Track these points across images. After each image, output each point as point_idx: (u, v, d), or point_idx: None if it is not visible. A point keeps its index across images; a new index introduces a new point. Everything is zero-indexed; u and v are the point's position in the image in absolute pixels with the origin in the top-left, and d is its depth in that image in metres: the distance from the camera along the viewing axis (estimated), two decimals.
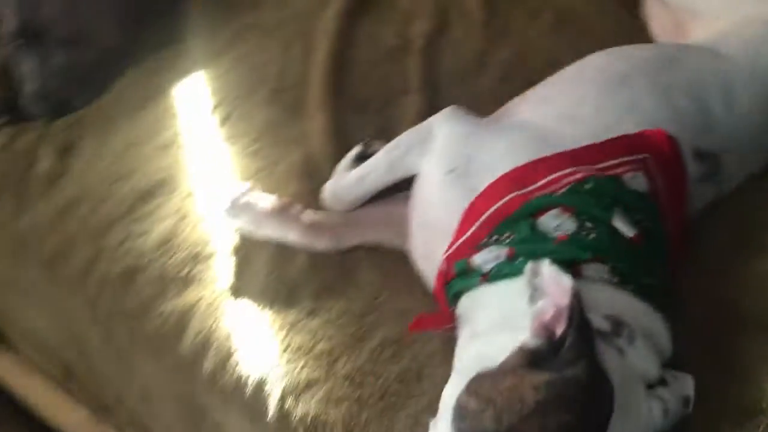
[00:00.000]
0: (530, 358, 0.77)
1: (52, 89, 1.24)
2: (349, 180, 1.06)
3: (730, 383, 0.85)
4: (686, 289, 0.93)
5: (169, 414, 1.11)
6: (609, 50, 1.10)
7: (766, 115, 1.04)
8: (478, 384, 0.79)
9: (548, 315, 0.76)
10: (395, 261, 1.03)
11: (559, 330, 0.76)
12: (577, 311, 0.75)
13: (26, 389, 1.58)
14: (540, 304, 0.77)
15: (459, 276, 0.90)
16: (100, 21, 1.28)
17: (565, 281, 0.76)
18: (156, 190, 1.11)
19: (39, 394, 1.56)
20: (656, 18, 1.31)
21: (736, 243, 0.99)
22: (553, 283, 0.77)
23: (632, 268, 0.87)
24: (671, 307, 0.87)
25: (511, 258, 0.86)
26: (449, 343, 0.89)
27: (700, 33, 1.17)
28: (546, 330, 0.77)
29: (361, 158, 1.09)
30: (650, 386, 0.81)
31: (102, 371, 1.21)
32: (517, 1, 1.36)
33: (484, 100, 1.13)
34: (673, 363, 0.85)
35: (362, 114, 1.20)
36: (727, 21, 1.15)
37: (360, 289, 0.99)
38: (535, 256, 0.82)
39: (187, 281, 1.02)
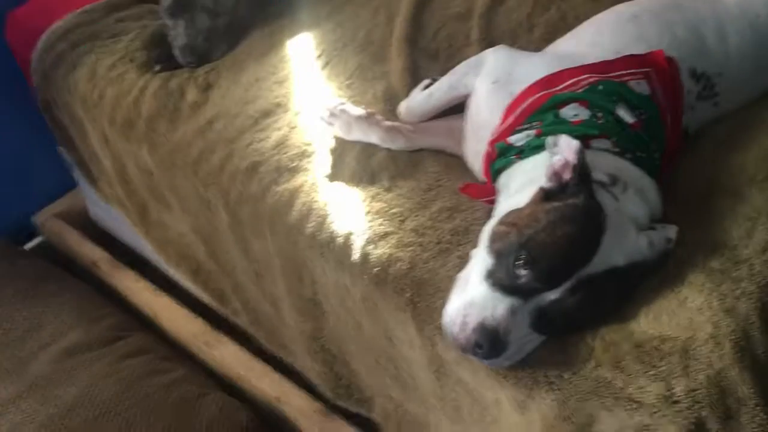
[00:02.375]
0: (544, 195, 1.06)
1: (197, 44, 1.62)
2: (420, 97, 1.38)
3: (703, 230, 1.09)
4: (682, 170, 1.20)
5: (276, 284, 1.43)
6: (627, 2, 1.39)
7: (752, 47, 1.29)
8: (506, 216, 1.08)
9: (559, 164, 1.05)
10: (453, 160, 1.34)
11: (567, 176, 1.04)
12: (581, 162, 1.03)
13: (154, 306, 1.95)
14: (554, 158, 1.06)
15: (499, 156, 1.19)
16: None
17: (574, 143, 1.05)
18: (274, 109, 1.46)
19: (164, 310, 1.94)
20: None
21: (723, 143, 1.24)
22: (565, 145, 1.05)
23: (630, 144, 1.14)
24: (658, 179, 1.13)
25: (538, 135, 1.15)
26: (491, 213, 1.18)
27: None
28: (557, 175, 1.06)
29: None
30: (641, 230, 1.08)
31: (225, 260, 1.55)
32: None
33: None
34: (662, 220, 1.11)
35: (432, 61, 1.52)
36: None
37: (425, 174, 1.30)
38: (556, 133, 1.11)
39: (296, 170, 1.35)
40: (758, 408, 0.93)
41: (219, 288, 1.63)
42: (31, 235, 2.32)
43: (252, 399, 1.73)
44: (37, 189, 2.26)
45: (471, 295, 1.02)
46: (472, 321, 1.00)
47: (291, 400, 1.66)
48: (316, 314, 1.37)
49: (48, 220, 2.26)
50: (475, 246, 1.10)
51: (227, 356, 1.78)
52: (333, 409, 1.61)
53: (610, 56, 1.24)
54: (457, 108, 1.37)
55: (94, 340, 1.82)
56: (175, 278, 1.99)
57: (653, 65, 1.22)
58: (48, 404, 1.65)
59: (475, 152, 1.29)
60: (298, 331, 1.43)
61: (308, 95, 1.47)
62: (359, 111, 1.35)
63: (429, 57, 1.52)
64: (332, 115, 1.35)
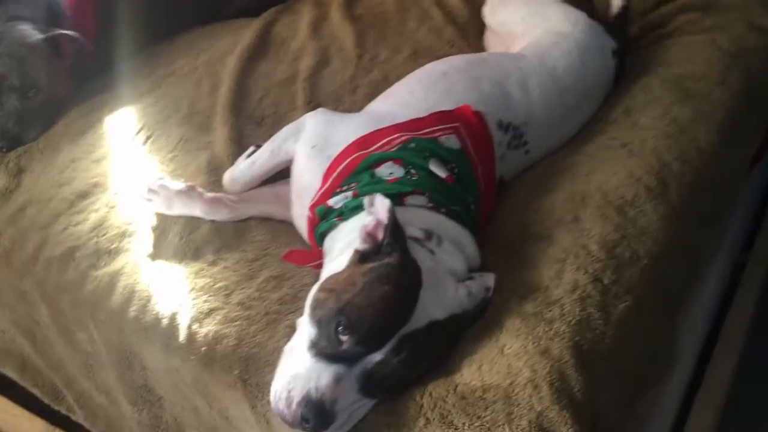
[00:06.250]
0: (360, 257, 1.06)
1: (8, 127, 1.53)
2: (242, 165, 1.36)
3: (519, 274, 1.13)
4: (498, 216, 1.25)
5: (107, 374, 1.34)
6: (438, 60, 1.45)
7: (553, 96, 1.38)
8: (325, 281, 1.07)
9: (371, 226, 1.06)
10: (281, 227, 1.32)
11: (380, 235, 1.05)
12: (392, 221, 1.05)
13: None
14: (366, 219, 1.07)
15: (321, 219, 1.19)
16: (45, 75, 1.58)
17: (385, 202, 1.06)
18: (91, 190, 1.39)
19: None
20: (492, 47, 1.68)
21: (535, 188, 1.30)
22: (379, 205, 1.06)
23: (444, 199, 1.17)
24: (474, 229, 1.17)
25: (355, 196, 1.16)
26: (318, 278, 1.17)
27: (517, 48, 1.53)
28: (371, 237, 1.06)
29: None
30: (460, 281, 1.10)
31: (51, 353, 1.44)
32: (383, 40, 1.72)
33: (356, 112, 1.45)
34: (480, 270, 1.14)
35: (258, 127, 1.51)
36: (530, 36, 1.51)
37: (252, 243, 1.27)
38: (372, 192, 1.12)
39: (116, 252, 1.29)
40: None
41: (50, 383, 1.50)
42: None
43: None
44: None
45: (295, 368, 1.00)
46: (297, 395, 0.97)
47: None
48: (151, 401, 1.29)
49: None
50: (302, 314, 1.08)
51: None
52: None
53: (422, 113, 1.28)
54: (284, 173, 1.36)
55: None
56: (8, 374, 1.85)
57: (461, 120, 1.27)
58: None
59: (301, 216, 1.28)
60: (135, 422, 1.34)
61: (128, 173, 1.42)
62: (179, 185, 1.31)
63: (254, 123, 1.52)
64: (151, 191, 1.31)
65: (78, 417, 1.51)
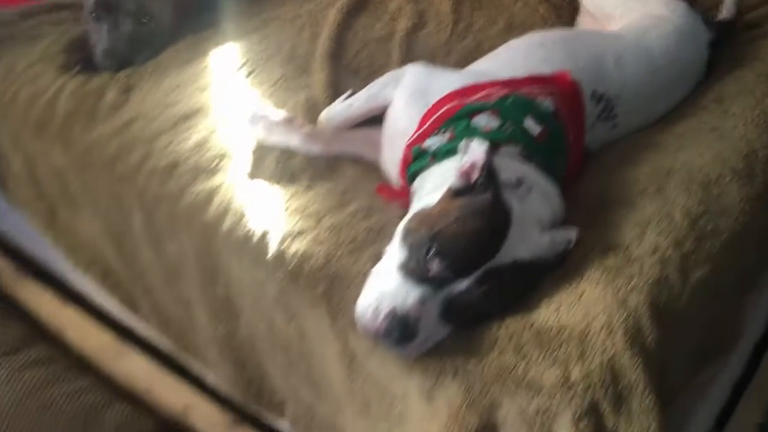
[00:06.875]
0: (453, 194, 1.12)
1: (119, 48, 1.62)
2: (340, 106, 1.43)
3: (600, 233, 1.17)
4: (582, 182, 1.29)
5: (189, 287, 1.42)
6: (535, 31, 1.50)
7: (647, 75, 1.41)
8: (418, 212, 1.13)
9: (468, 165, 1.11)
10: (370, 168, 1.39)
11: (475, 175, 1.11)
12: (488, 163, 1.10)
13: (59, 317, 1.89)
14: (461, 160, 1.12)
15: (415, 159, 1.25)
16: (158, 5, 1.67)
17: (483, 145, 1.11)
18: (194, 114, 1.47)
19: (70, 321, 1.88)
20: (585, 25, 1.72)
21: (621, 159, 1.34)
22: (475, 148, 1.12)
23: (535, 152, 1.22)
24: (561, 186, 1.22)
25: (451, 140, 1.22)
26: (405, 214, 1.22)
27: (614, 29, 1.57)
28: (466, 175, 1.12)
29: None
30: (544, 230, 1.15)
31: (136, 262, 1.52)
32: (479, 10, 1.77)
33: None
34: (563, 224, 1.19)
35: (353, 76, 1.58)
36: (627, 18, 1.55)
37: (343, 177, 1.34)
38: (468, 138, 1.17)
39: (214, 171, 1.37)
40: (646, 391, 1.00)
41: (129, 292, 1.59)
42: None
43: (158, 411, 1.69)
44: None
45: (384, 286, 1.06)
46: (384, 308, 1.03)
47: (199, 411, 1.63)
48: (229, 315, 1.37)
49: None
50: (389, 242, 1.14)
51: (134, 368, 1.74)
52: (243, 419, 1.60)
53: (520, 75, 1.33)
54: (374, 121, 1.42)
55: None
56: (81, 289, 1.94)
57: (558, 85, 1.31)
58: None
59: (391, 159, 1.34)
60: (210, 333, 1.42)
61: (230, 102, 1.50)
62: (280, 115, 1.38)
63: (350, 73, 1.58)
64: (254, 118, 1.38)
65: (152, 325, 1.59)
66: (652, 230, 1.16)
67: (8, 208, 1.94)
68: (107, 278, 1.62)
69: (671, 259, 1.12)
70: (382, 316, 1.03)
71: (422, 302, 1.03)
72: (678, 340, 1.08)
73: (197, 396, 1.65)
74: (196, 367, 1.68)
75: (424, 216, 1.11)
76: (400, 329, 1.02)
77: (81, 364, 1.80)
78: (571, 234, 1.15)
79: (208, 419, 1.61)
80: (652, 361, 1.02)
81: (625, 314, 1.04)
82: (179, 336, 1.52)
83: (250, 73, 1.57)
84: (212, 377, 1.64)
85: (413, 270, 1.05)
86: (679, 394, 1.11)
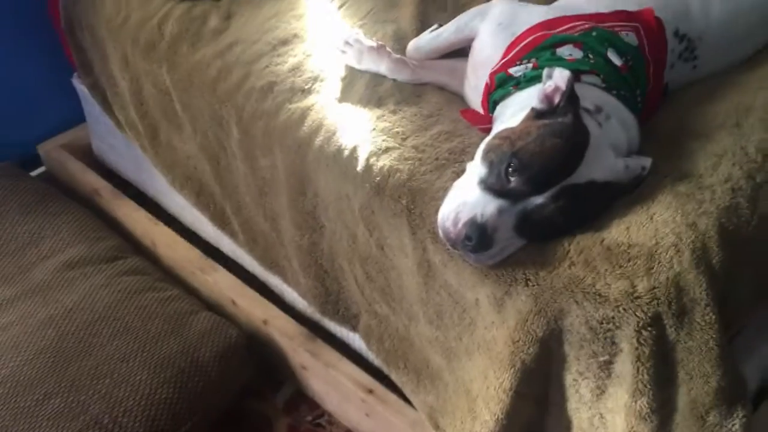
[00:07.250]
0: (535, 115, 1.18)
1: None
2: (428, 37, 1.50)
3: (675, 163, 1.22)
4: (660, 116, 1.33)
5: (279, 201, 1.53)
6: None
7: (732, 18, 1.42)
8: (501, 131, 1.20)
9: (550, 90, 1.17)
10: (453, 96, 1.46)
11: (557, 99, 1.17)
12: (570, 89, 1.16)
13: (152, 234, 2.04)
14: (546, 84, 1.18)
15: (498, 86, 1.32)
16: None
17: (566, 72, 1.17)
18: (291, 39, 1.57)
19: (162, 237, 2.03)
20: None
21: (700, 96, 1.37)
22: (558, 75, 1.18)
23: (616, 83, 1.26)
24: (638, 118, 1.26)
25: (535, 68, 1.27)
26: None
27: None
28: (548, 99, 1.18)
29: None
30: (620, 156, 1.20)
31: (229, 180, 1.64)
32: None
33: None
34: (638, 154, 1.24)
35: (441, 12, 1.64)
36: None
37: (428, 103, 1.41)
38: (552, 66, 1.23)
39: (309, 92, 1.46)
40: (708, 308, 1.06)
41: (220, 209, 1.72)
42: (34, 166, 2.39)
43: (241, 322, 1.82)
44: (44, 120, 2.33)
45: (464, 197, 1.14)
46: (464, 216, 1.11)
47: (277, 324, 1.76)
48: (314, 228, 1.47)
49: (52, 150, 2.33)
50: (471, 160, 1.21)
51: (219, 281, 1.88)
52: (317, 333, 1.72)
53: (605, 10, 1.37)
54: (459, 53, 1.49)
55: (93, 256, 1.90)
56: (173, 212, 2.10)
57: (642, 21, 1.35)
58: (48, 306, 1.74)
59: (475, 87, 1.41)
60: (294, 246, 1.53)
61: (323, 29, 1.59)
62: (371, 42, 1.47)
63: (438, 8, 1.64)
64: (346, 43, 1.47)
65: (239, 241, 1.72)
66: (726, 161, 1.20)
67: (109, 133, 2.11)
68: (201, 196, 1.75)
69: (743, 189, 1.16)
70: (461, 223, 1.11)
71: (500, 213, 1.11)
72: (744, 266, 1.13)
73: (277, 310, 1.79)
74: (275, 285, 1.81)
75: (505, 134, 1.18)
76: (478, 237, 1.10)
77: (171, 276, 1.95)
78: (646, 162, 1.20)
79: (286, 331, 1.74)
80: (716, 282, 1.07)
81: (694, 236, 1.09)
82: (264, 251, 1.65)
83: (341, 6, 1.65)
84: (290, 295, 1.77)
85: (493, 184, 1.12)
86: (738, 322, 1.16)
